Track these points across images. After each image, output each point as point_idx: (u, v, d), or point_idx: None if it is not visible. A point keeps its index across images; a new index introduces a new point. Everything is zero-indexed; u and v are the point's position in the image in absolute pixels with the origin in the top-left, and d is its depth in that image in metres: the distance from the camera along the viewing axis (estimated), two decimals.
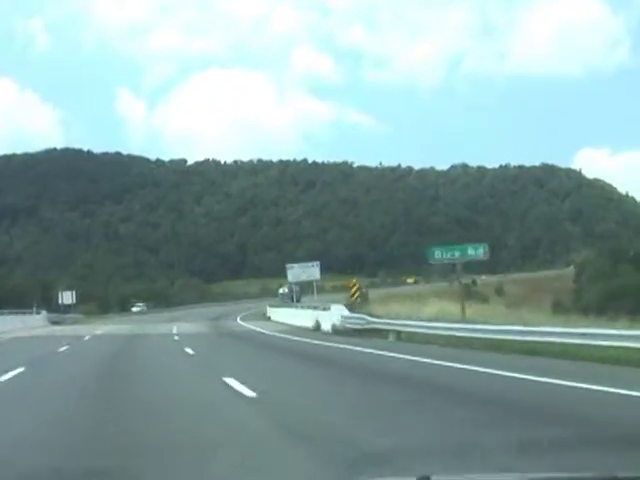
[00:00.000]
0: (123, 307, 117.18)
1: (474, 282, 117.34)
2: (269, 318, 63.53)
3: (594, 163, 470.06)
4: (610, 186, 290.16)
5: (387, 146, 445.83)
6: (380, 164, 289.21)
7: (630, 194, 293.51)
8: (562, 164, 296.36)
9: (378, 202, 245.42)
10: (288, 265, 67.21)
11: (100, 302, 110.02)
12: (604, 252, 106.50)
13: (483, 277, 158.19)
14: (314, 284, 64.88)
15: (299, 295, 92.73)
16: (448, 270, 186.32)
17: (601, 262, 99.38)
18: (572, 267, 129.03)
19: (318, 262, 66.57)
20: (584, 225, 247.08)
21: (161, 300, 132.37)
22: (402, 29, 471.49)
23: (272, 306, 69.20)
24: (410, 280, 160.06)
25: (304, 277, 65.61)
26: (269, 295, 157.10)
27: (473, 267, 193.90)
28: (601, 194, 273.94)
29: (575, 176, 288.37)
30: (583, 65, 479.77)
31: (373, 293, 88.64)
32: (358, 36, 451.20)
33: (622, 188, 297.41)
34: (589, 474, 3.43)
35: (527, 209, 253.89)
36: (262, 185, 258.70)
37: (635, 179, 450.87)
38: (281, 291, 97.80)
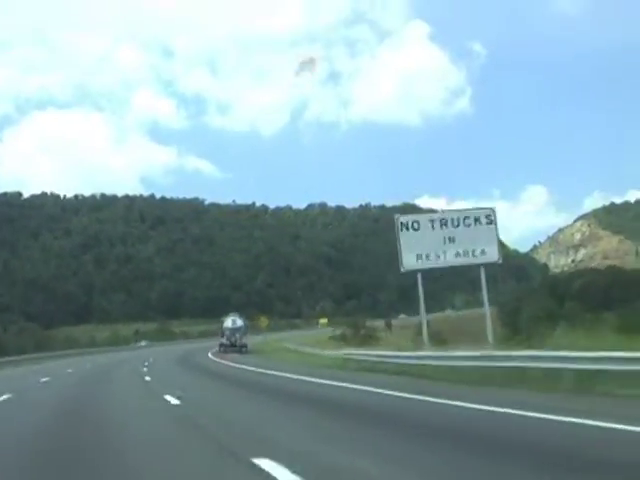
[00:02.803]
0: None
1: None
2: None
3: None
4: None
5: (232, 190, 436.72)
6: (233, 202, 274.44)
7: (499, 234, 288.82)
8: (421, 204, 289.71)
9: (236, 240, 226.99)
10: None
11: None
12: (543, 287, 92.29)
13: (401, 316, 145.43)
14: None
15: (244, 333, 71.85)
16: (337, 313, 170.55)
17: (544, 300, 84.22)
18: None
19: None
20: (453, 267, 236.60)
21: None
22: (246, 75, 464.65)
23: None
24: (323, 321, 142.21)
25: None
26: (122, 343, 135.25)
27: (349, 310, 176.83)
28: None
29: None
30: (424, 114, 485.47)
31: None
32: (201, 81, 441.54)
33: None
34: None
35: (395, 249, 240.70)
36: (107, 221, 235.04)
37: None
38: (229, 325, 71.01)
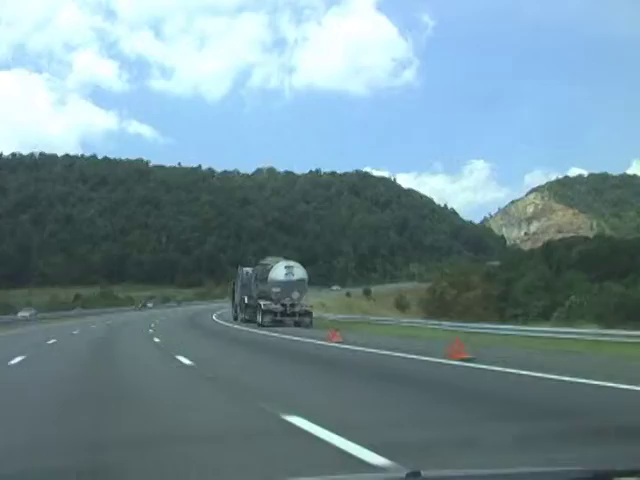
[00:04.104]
0: None
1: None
2: None
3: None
4: (426, 197, 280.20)
5: (175, 155, 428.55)
6: (179, 164, 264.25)
7: (449, 206, 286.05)
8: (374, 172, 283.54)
9: (183, 202, 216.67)
10: None
11: None
12: (535, 255, 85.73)
13: (334, 287, 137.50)
14: None
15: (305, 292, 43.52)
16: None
17: (540, 269, 77.31)
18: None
19: None
20: (411, 235, 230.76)
21: None
22: (190, 39, 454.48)
23: None
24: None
25: None
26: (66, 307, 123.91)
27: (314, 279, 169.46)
28: (421, 204, 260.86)
29: (390, 185, 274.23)
30: (370, 84, 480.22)
31: None
32: (145, 44, 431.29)
33: (438, 201, 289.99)
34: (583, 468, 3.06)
35: (349, 217, 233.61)
36: (46, 180, 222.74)
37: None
38: (281, 276, 42.38)
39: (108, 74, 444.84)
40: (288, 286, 41.68)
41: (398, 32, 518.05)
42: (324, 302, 72.07)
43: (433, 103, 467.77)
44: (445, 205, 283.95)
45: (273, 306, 40.97)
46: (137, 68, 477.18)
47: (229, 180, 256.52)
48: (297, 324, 40.18)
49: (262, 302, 41.43)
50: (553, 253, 79.07)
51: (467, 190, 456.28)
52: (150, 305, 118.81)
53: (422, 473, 2.69)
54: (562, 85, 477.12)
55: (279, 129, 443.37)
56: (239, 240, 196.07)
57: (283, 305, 41.00)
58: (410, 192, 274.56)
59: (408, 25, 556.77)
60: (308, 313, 41.88)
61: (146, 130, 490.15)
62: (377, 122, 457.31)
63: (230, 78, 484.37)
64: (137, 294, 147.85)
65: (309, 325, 40.29)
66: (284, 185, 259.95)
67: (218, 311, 63.11)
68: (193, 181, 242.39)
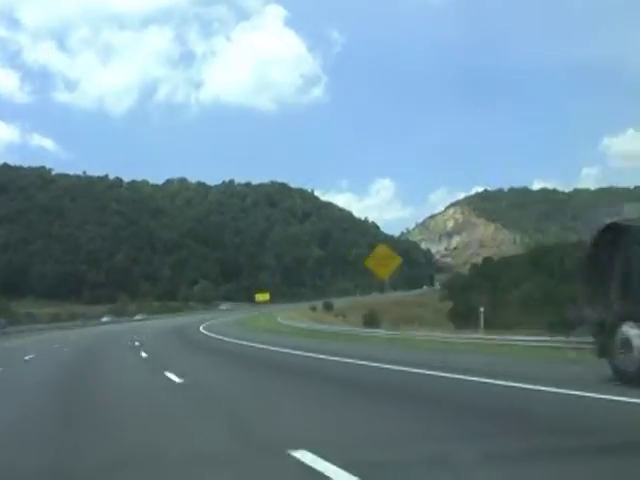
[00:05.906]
0: None
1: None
2: None
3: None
4: (345, 210, 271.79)
5: (80, 169, 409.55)
6: (84, 172, 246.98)
7: (370, 220, 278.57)
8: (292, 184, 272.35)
9: (90, 211, 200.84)
10: None
11: None
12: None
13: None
14: None
15: None
16: (216, 295, 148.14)
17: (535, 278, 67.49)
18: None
19: None
20: (334, 249, 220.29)
21: None
22: (95, 51, 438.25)
23: None
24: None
25: None
26: None
27: (230, 292, 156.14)
28: (340, 217, 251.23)
29: (308, 196, 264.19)
30: (278, 100, 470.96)
31: None
32: (48, 55, 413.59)
33: (357, 214, 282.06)
34: None
35: (266, 228, 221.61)
36: None
37: None
38: None
39: (10, 85, 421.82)
40: None
41: (307, 48, 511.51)
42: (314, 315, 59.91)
43: (340, 120, 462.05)
44: (366, 218, 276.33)
45: None
46: (40, 80, 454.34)
47: (138, 190, 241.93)
48: None
49: None
50: (541, 259, 69.07)
51: (373, 209, 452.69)
52: None
53: None
54: (466, 109, 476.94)
55: (188, 143, 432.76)
56: (153, 251, 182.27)
57: None
58: (329, 205, 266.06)
59: (317, 41, 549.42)
60: None
61: (49, 144, 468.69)
62: (285, 138, 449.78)
63: (136, 91, 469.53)
64: (39, 311, 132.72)
65: None
66: (196, 195, 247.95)
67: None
68: (100, 190, 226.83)
